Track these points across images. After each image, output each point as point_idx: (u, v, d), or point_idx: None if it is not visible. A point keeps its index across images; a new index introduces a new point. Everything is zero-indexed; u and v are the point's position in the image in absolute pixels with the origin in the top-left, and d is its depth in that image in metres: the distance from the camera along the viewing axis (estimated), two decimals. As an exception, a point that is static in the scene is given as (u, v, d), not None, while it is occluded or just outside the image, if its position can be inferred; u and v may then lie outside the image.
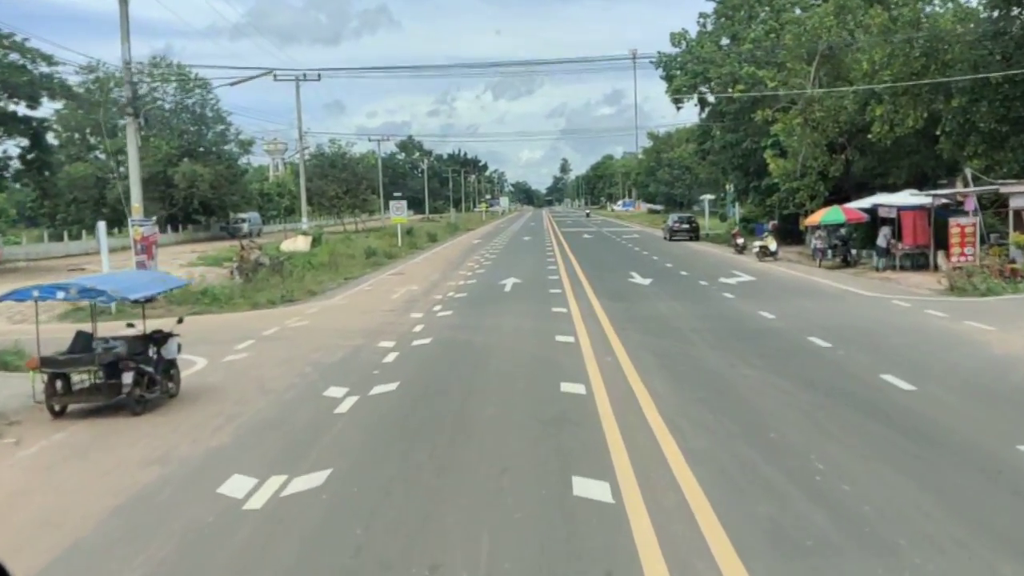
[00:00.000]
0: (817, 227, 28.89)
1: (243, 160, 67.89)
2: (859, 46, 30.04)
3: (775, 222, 43.28)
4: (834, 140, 30.97)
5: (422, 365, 12.60)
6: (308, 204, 77.89)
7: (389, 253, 39.46)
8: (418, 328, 16.14)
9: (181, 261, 38.33)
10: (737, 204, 55.67)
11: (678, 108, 49.58)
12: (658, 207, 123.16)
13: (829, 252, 28.16)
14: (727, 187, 64.66)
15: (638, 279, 24.88)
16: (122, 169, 60.14)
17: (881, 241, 25.65)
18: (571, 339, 14.17)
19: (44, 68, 34.62)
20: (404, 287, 25.04)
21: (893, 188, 30.23)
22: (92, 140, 59.66)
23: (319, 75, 47.35)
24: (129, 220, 20.34)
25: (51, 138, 44.28)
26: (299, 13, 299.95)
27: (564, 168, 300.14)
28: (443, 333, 15.51)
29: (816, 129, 30.73)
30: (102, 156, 59.06)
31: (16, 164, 38.98)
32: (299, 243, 41.85)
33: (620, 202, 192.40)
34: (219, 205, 62.82)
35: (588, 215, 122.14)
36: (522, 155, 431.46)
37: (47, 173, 40.64)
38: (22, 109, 36.58)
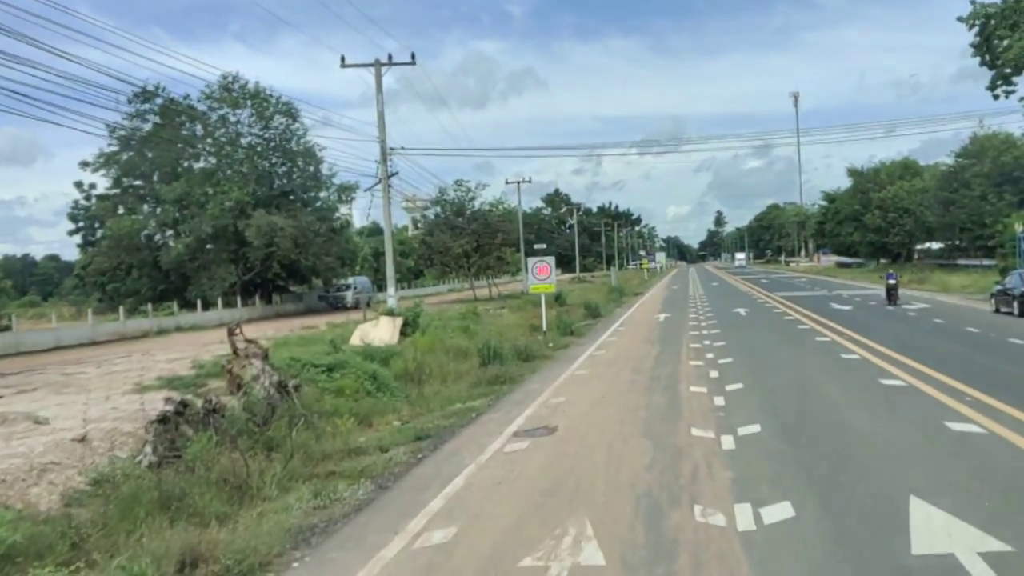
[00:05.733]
0: None
1: (343, 211, 52.66)
2: None
3: None
4: None
5: None
6: (429, 264, 63.28)
7: (525, 350, 22.17)
8: None
9: (179, 363, 22.82)
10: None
11: (996, 96, 30.20)
12: (848, 260, 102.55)
13: None
14: (1019, 227, 46.61)
15: None
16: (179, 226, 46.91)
17: None
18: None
19: None
20: (554, 532, 7.53)
21: None
22: (157, 186, 46.62)
23: (412, 55, 31.42)
24: None
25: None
26: (448, 78, 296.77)
27: (719, 221, 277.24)
28: None
29: None
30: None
31: None
32: (380, 331, 24.95)
33: (741, 256, 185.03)
34: (311, 268, 48.15)
35: None
36: (669, 211, 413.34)
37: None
38: None
